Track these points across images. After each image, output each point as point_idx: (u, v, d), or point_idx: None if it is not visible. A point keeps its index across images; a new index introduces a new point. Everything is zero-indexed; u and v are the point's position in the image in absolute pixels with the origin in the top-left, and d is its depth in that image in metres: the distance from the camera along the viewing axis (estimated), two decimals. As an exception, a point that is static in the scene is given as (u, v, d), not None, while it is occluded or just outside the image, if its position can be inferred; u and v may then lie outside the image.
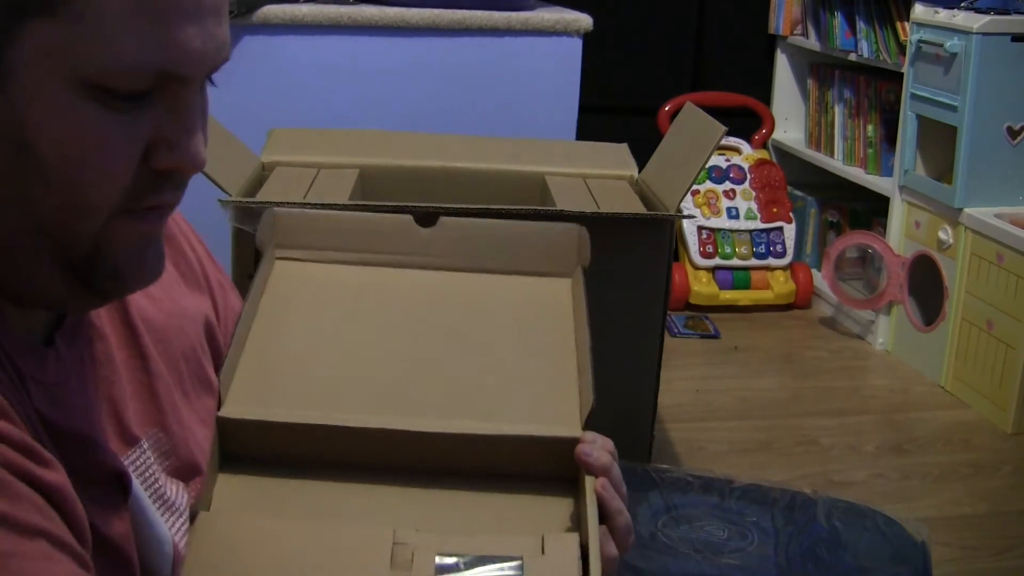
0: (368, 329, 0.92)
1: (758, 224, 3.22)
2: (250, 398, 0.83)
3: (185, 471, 0.82)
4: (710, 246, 3.18)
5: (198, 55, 0.65)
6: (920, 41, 2.69)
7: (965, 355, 2.64)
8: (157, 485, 0.80)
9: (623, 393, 1.77)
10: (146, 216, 0.68)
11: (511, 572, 0.75)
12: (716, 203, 3.24)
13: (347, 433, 0.81)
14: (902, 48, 2.83)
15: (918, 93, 2.74)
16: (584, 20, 2.51)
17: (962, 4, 2.62)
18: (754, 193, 3.26)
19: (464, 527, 0.80)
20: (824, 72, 3.29)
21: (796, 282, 3.21)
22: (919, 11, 2.71)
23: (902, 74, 2.81)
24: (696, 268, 3.18)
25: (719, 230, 3.20)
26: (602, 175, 1.89)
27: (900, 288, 2.86)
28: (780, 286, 3.19)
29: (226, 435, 0.81)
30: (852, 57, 3.08)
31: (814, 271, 3.28)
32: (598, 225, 1.71)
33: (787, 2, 3.35)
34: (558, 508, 0.82)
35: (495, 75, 2.48)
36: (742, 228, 3.21)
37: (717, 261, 3.18)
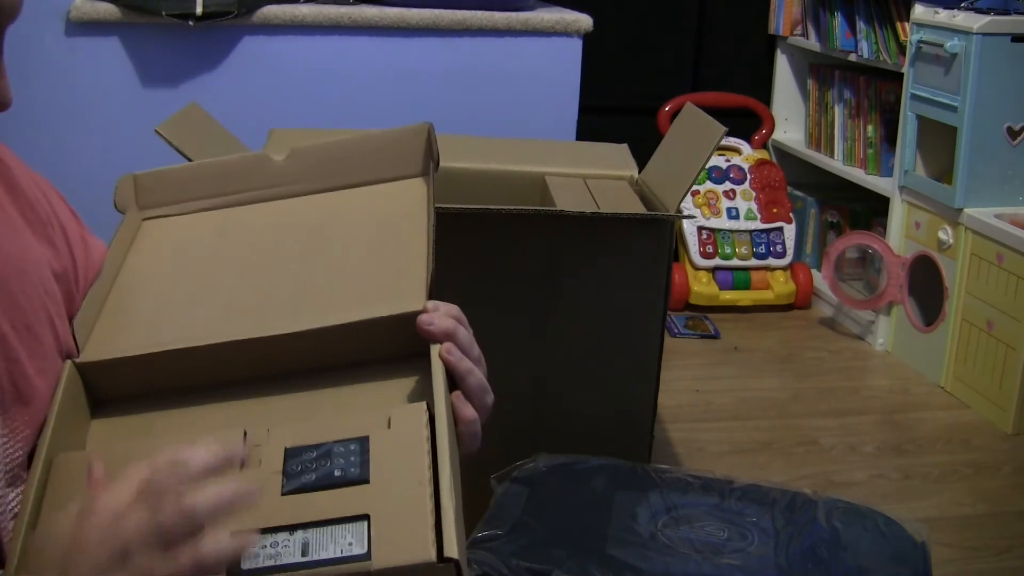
0: (225, 263, 0.94)
1: (758, 224, 3.22)
2: (108, 342, 0.85)
3: (20, 415, 0.80)
4: (710, 246, 3.18)
5: (5, 5, 0.71)
6: (920, 41, 2.69)
7: (965, 355, 2.64)
8: None
9: (623, 393, 1.77)
10: None
11: (356, 450, 0.76)
12: (716, 203, 3.24)
13: (199, 353, 0.83)
14: (902, 48, 2.83)
15: (918, 93, 2.74)
16: (584, 20, 2.51)
17: (962, 4, 2.62)
18: (754, 193, 3.26)
19: (318, 421, 0.81)
20: (824, 72, 3.29)
21: (796, 282, 3.21)
22: (919, 11, 2.71)
23: (902, 74, 2.81)
24: (696, 268, 3.18)
25: (719, 230, 3.20)
26: (602, 175, 1.89)
27: (900, 288, 2.86)
28: (780, 286, 3.19)
29: (88, 380, 0.83)
30: (852, 57, 3.08)
31: (814, 271, 3.28)
32: (598, 225, 1.71)
33: (787, 2, 3.35)
34: (409, 385, 0.84)
35: (495, 75, 2.48)
36: (742, 228, 3.21)
37: (717, 261, 3.18)
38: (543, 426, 1.73)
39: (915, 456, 2.37)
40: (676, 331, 3.01)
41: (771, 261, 3.21)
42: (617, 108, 3.31)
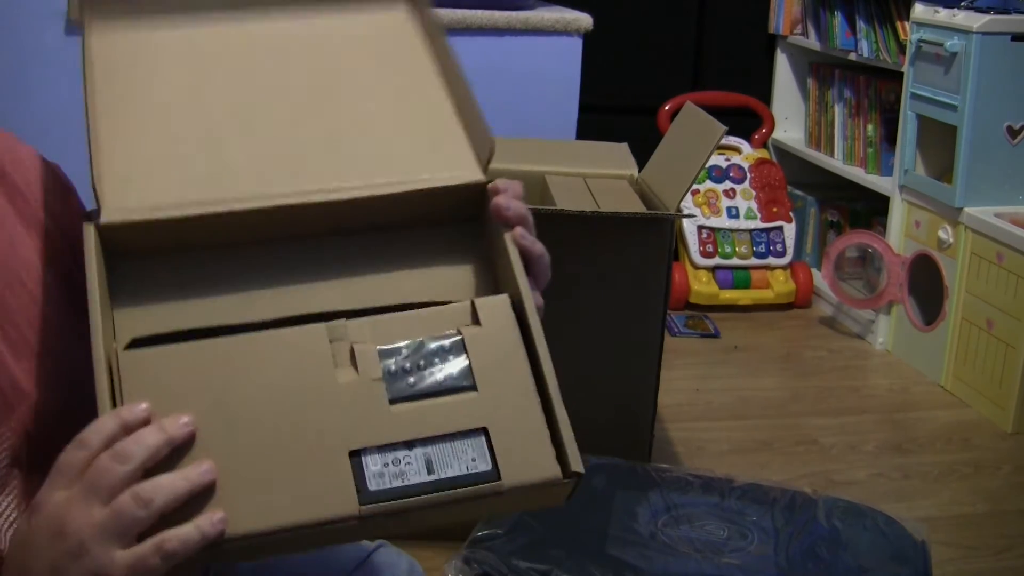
0: (219, 95, 0.83)
1: (758, 224, 3.22)
2: (124, 197, 0.76)
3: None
4: (710, 245, 3.18)
5: None
6: (920, 41, 2.69)
7: (965, 355, 2.64)
8: None
9: (623, 393, 1.77)
10: None
11: (452, 350, 0.73)
12: (716, 202, 3.24)
13: (241, 216, 0.76)
14: (902, 48, 2.83)
15: (918, 93, 2.74)
16: (584, 20, 2.51)
17: (962, 4, 2.62)
18: (754, 193, 3.26)
19: (383, 300, 0.76)
20: (824, 72, 3.29)
21: (796, 282, 3.21)
22: (919, 11, 2.71)
23: (902, 74, 2.81)
24: (696, 267, 3.18)
25: (719, 229, 3.20)
26: (602, 174, 1.89)
27: (900, 288, 2.86)
28: (780, 286, 3.19)
29: (108, 242, 0.75)
30: (852, 57, 3.08)
31: (814, 271, 3.28)
32: (598, 224, 1.71)
33: (787, 2, 3.35)
34: (471, 259, 0.79)
35: (495, 75, 2.48)
36: (742, 228, 3.21)
37: (717, 260, 3.18)
38: (543, 425, 1.73)
39: (915, 455, 2.37)
40: (676, 330, 3.01)
41: (771, 260, 3.21)
42: (617, 107, 3.30)
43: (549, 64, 2.50)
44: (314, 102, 0.83)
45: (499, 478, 0.68)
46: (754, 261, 3.20)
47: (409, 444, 0.69)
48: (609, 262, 1.70)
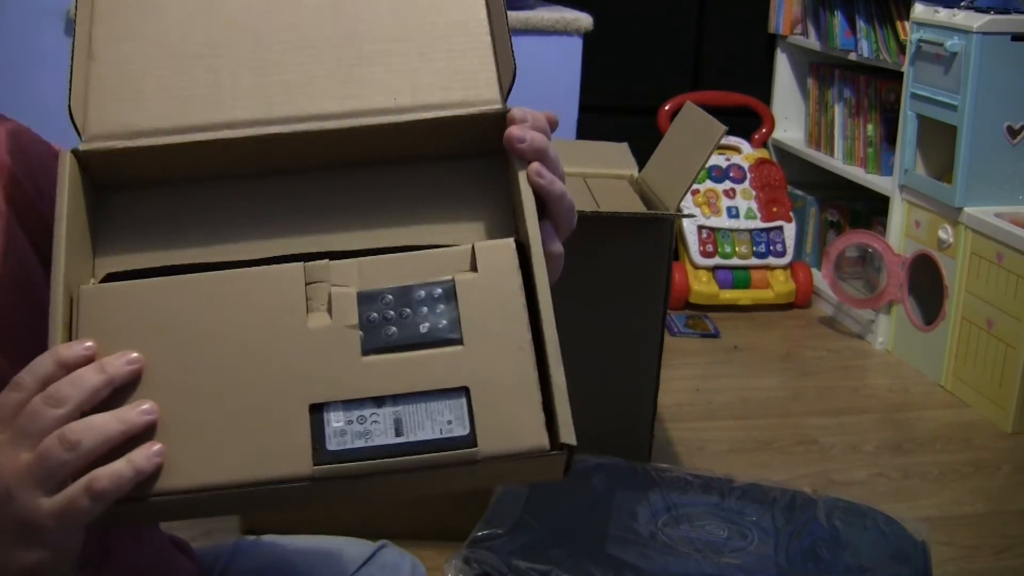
0: (223, 11, 0.75)
1: (758, 223, 3.22)
2: (111, 121, 0.70)
3: None
4: (710, 245, 3.18)
5: None
6: (920, 40, 2.69)
7: (965, 355, 2.64)
8: None
9: (623, 393, 1.77)
10: None
11: (442, 297, 0.65)
12: (716, 202, 3.24)
13: (234, 145, 0.69)
14: (902, 47, 2.83)
15: (918, 92, 2.74)
16: (584, 19, 2.50)
17: (962, 3, 2.62)
18: (754, 192, 3.26)
19: (383, 242, 0.69)
20: (824, 71, 3.29)
21: (796, 281, 3.21)
22: (919, 10, 2.71)
23: (902, 73, 2.81)
24: (696, 267, 3.18)
25: (719, 229, 3.20)
26: (602, 174, 1.89)
27: (900, 287, 2.86)
28: (780, 285, 3.19)
29: (90, 169, 0.70)
30: (852, 56, 3.08)
31: (814, 270, 3.28)
32: (598, 224, 1.71)
33: (787, 2, 3.35)
34: (485, 201, 0.71)
35: (495, 74, 2.48)
36: (742, 227, 3.21)
37: (717, 260, 3.18)
38: (543, 425, 1.73)
39: (915, 455, 2.37)
40: (676, 330, 3.01)
41: (771, 260, 3.21)
42: (617, 107, 3.30)
43: (549, 64, 2.50)
44: (335, 16, 0.74)
45: (475, 444, 0.61)
46: (754, 261, 3.20)
47: (379, 401, 0.62)
48: (609, 262, 1.70)
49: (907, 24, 2.78)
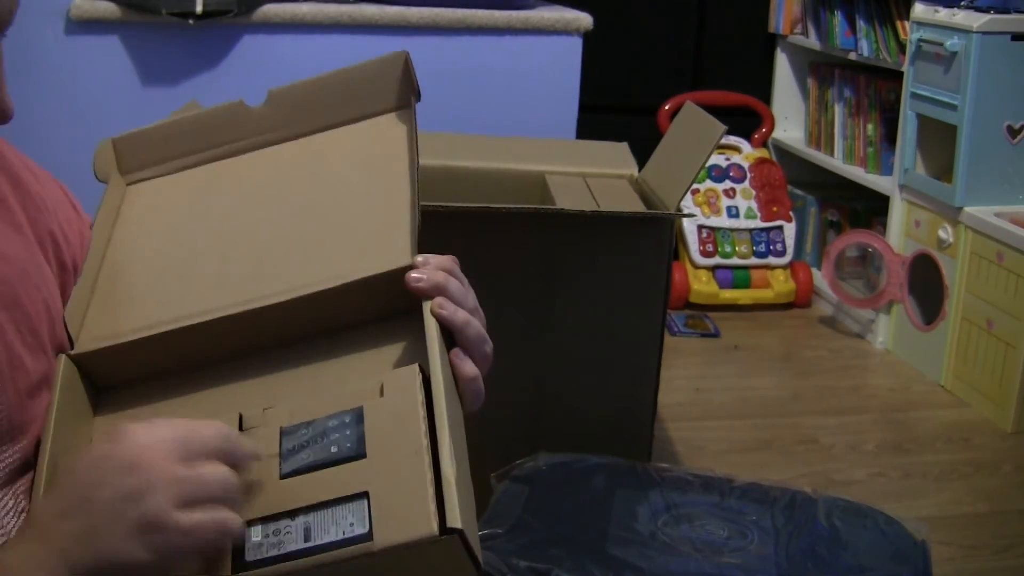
0: (212, 226, 0.91)
1: (758, 223, 3.22)
2: (101, 329, 0.83)
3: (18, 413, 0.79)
4: (710, 245, 3.18)
5: (6, 11, 0.70)
6: (920, 40, 2.69)
7: (965, 354, 2.64)
8: None
9: (623, 392, 1.77)
10: None
11: (351, 423, 0.74)
12: (716, 202, 3.24)
13: (194, 332, 0.82)
14: (902, 47, 2.83)
15: (918, 92, 2.74)
16: (584, 19, 2.51)
17: (962, 3, 2.62)
18: (754, 192, 3.26)
19: (312, 396, 0.79)
20: (824, 71, 3.29)
21: (796, 281, 3.21)
22: (919, 10, 2.71)
23: (902, 73, 2.81)
24: (696, 267, 3.18)
25: (719, 229, 3.20)
26: (602, 174, 1.89)
27: (900, 287, 2.86)
28: (780, 285, 3.19)
29: (85, 370, 0.82)
30: (852, 56, 3.08)
31: (814, 270, 3.28)
32: (598, 224, 1.71)
33: (787, 1, 3.35)
34: (404, 346, 0.81)
35: (495, 74, 2.48)
36: (742, 227, 3.21)
37: (717, 260, 3.18)
38: (543, 425, 1.73)
39: (915, 455, 2.37)
40: (676, 330, 3.01)
41: (771, 260, 3.21)
42: (617, 107, 3.30)
43: (549, 64, 2.50)
44: (289, 212, 0.90)
45: (372, 539, 0.68)
46: (754, 260, 3.20)
47: (292, 514, 0.71)
48: (609, 262, 1.70)
49: (907, 24, 2.77)
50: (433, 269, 0.79)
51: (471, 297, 0.82)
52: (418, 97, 0.95)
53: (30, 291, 0.81)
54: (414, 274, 0.79)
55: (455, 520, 0.67)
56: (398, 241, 0.83)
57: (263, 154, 0.97)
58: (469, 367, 0.79)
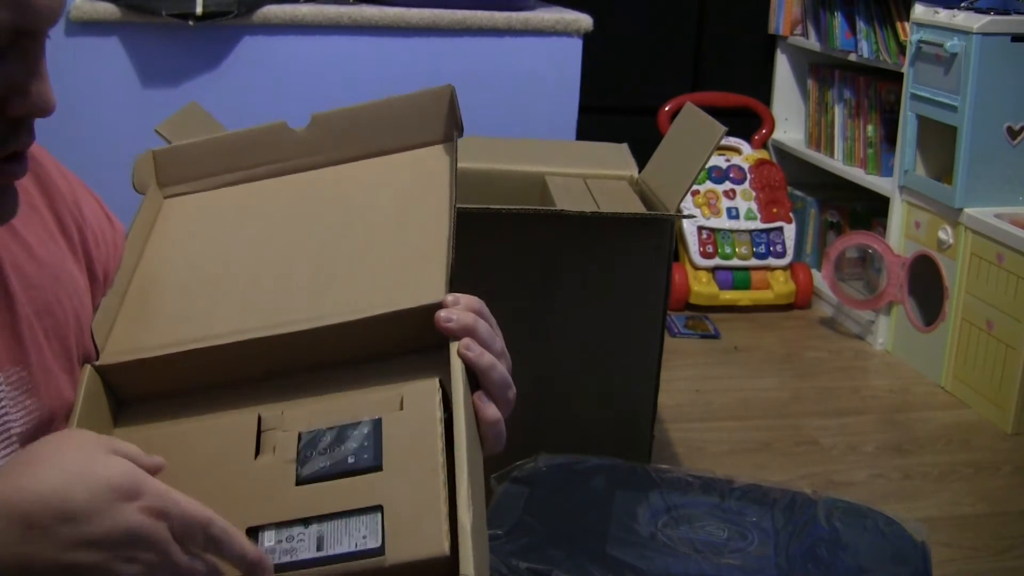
0: (246, 246, 0.91)
1: (758, 224, 3.22)
2: (128, 341, 0.83)
3: (47, 416, 0.80)
4: (710, 246, 3.18)
5: (47, 11, 0.70)
6: (920, 41, 2.69)
7: (965, 355, 2.64)
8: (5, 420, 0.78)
9: (623, 393, 1.77)
10: (4, 163, 0.71)
11: (369, 433, 0.75)
12: (716, 203, 3.24)
13: (220, 352, 0.82)
14: (902, 48, 2.83)
15: (918, 93, 2.74)
16: (584, 20, 2.51)
17: (962, 4, 2.62)
18: (754, 193, 3.26)
19: (331, 405, 0.80)
20: (824, 72, 3.29)
21: (796, 282, 3.21)
22: (919, 11, 2.71)
23: (902, 74, 2.81)
24: (696, 268, 3.18)
25: (719, 230, 3.20)
26: (602, 175, 1.89)
27: (900, 288, 2.86)
28: (780, 286, 3.19)
29: (109, 382, 0.82)
30: (852, 57, 3.08)
31: (814, 271, 3.28)
32: (598, 225, 1.71)
33: (787, 2, 3.35)
34: (427, 379, 0.81)
35: (495, 75, 2.48)
36: (742, 228, 3.21)
37: (717, 261, 3.18)
38: (543, 426, 1.73)
39: (915, 456, 2.37)
40: (676, 331, 3.01)
41: (771, 261, 3.21)
42: (617, 108, 3.30)
43: (549, 64, 2.50)
44: (324, 237, 0.89)
45: (383, 554, 0.69)
46: (754, 262, 3.20)
47: (306, 521, 0.72)
48: (609, 262, 1.70)
49: (907, 25, 2.78)
50: (463, 310, 0.80)
51: (499, 341, 0.83)
52: (461, 132, 0.95)
53: (61, 298, 0.82)
54: (443, 314, 0.79)
55: (468, 568, 0.67)
56: (431, 276, 0.83)
57: (302, 178, 0.97)
58: (492, 411, 0.80)
